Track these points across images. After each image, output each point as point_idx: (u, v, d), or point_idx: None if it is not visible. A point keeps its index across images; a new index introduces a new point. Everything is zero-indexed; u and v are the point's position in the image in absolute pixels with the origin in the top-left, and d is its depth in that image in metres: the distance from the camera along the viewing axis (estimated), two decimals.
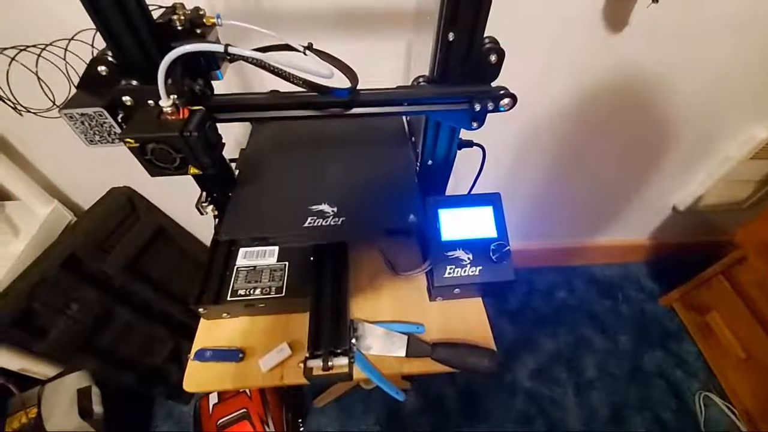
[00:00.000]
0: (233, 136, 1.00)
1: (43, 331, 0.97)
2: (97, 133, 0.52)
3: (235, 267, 0.74)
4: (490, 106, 0.55)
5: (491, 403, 1.42)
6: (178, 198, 1.12)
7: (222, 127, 0.55)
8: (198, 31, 0.51)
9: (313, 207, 0.64)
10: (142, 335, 1.20)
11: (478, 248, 0.70)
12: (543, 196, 1.42)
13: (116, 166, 1.01)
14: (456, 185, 0.90)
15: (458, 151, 0.72)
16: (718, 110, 1.15)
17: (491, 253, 0.69)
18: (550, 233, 1.65)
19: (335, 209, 0.64)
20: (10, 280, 0.92)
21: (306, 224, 0.62)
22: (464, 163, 0.79)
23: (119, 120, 0.51)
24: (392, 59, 0.92)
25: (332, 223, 0.62)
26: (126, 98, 0.49)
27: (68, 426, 1.04)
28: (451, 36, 0.51)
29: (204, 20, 0.52)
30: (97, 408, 1.10)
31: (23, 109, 0.64)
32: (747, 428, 1.32)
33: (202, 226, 1.28)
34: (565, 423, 1.38)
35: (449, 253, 0.71)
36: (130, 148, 0.46)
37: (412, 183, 0.70)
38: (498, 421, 1.39)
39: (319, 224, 0.62)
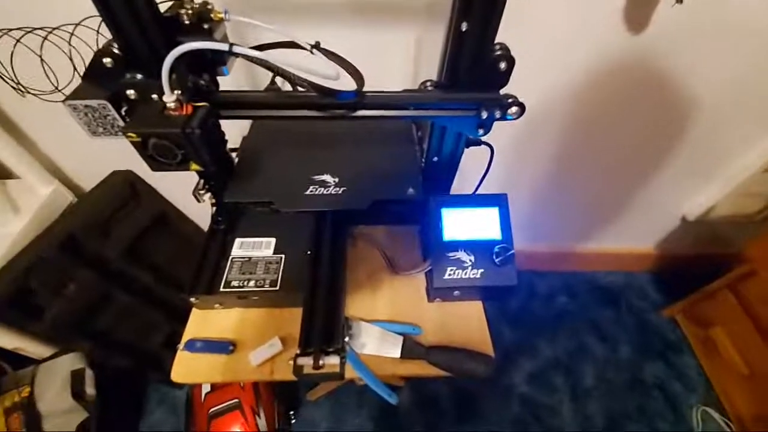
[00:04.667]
0: (239, 126, 0.99)
1: (39, 311, 0.97)
2: (100, 125, 0.52)
3: (230, 257, 0.73)
4: (498, 114, 0.54)
5: (486, 405, 1.42)
6: (181, 184, 1.10)
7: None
8: (205, 26, 0.50)
9: (316, 177, 0.69)
10: (139, 320, 1.20)
11: (481, 250, 0.69)
12: (548, 199, 1.40)
13: (119, 150, 0.98)
14: (460, 185, 0.88)
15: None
16: (735, 119, 1.12)
17: (494, 256, 0.68)
18: (554, 237, 1.63)
19: (337, 179, 0.68)
20: (8, 258, 0.92)
21: (308, 192, 0.67)
22: (471, 161, 0.76)
23: (123, 113, 0.50)
24: (402, 53, 0.90)
25: (333, 192, 0.67)
26: (130, 92, 0.49)
27: (60, 406, 1.04)
28: (464, 26, 0.49)
29: (212, 15, 0.51)
30: (90, 390, 1.10)
31: (24, 90, 0.64)
32: None
33: (204, 213, 1.28)
34: (560, 430, 1.37)
35: (450, 254, 0.69)
36: (132, 142, 0.46)
37: (414, 165, 0.73)
38: (492, 423, 1.38)
39: (321, 192, 0.67)
